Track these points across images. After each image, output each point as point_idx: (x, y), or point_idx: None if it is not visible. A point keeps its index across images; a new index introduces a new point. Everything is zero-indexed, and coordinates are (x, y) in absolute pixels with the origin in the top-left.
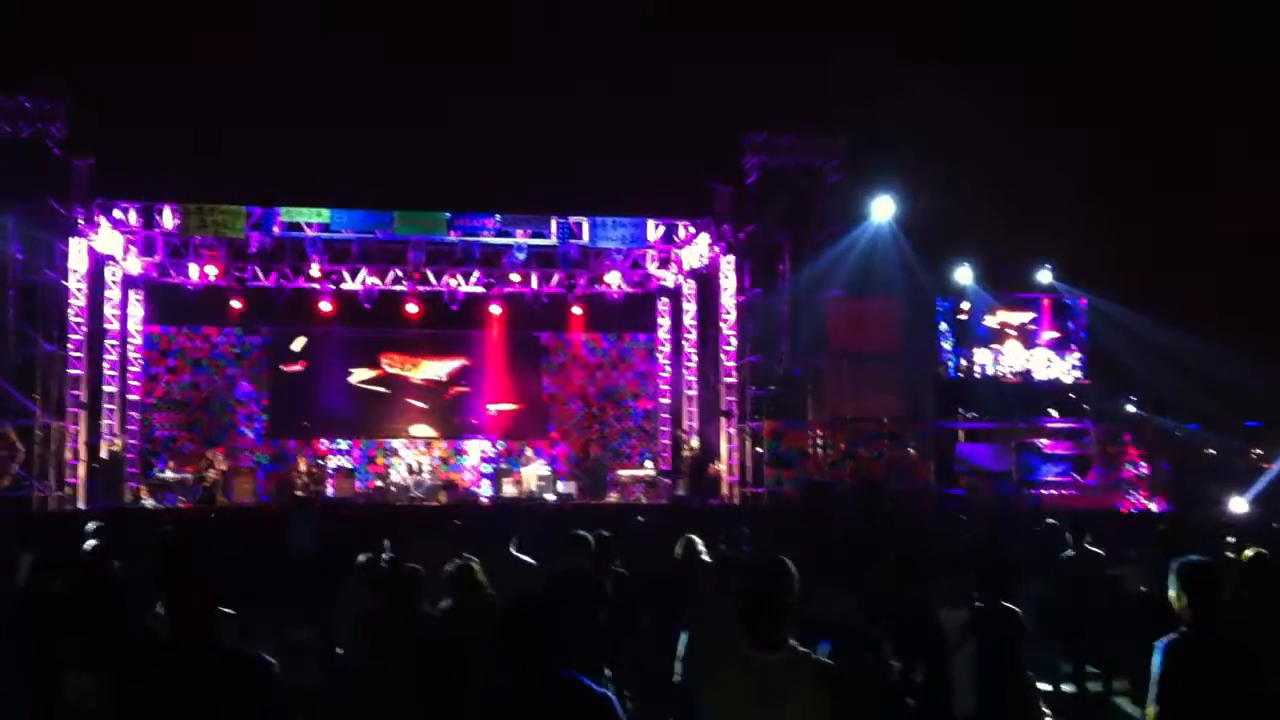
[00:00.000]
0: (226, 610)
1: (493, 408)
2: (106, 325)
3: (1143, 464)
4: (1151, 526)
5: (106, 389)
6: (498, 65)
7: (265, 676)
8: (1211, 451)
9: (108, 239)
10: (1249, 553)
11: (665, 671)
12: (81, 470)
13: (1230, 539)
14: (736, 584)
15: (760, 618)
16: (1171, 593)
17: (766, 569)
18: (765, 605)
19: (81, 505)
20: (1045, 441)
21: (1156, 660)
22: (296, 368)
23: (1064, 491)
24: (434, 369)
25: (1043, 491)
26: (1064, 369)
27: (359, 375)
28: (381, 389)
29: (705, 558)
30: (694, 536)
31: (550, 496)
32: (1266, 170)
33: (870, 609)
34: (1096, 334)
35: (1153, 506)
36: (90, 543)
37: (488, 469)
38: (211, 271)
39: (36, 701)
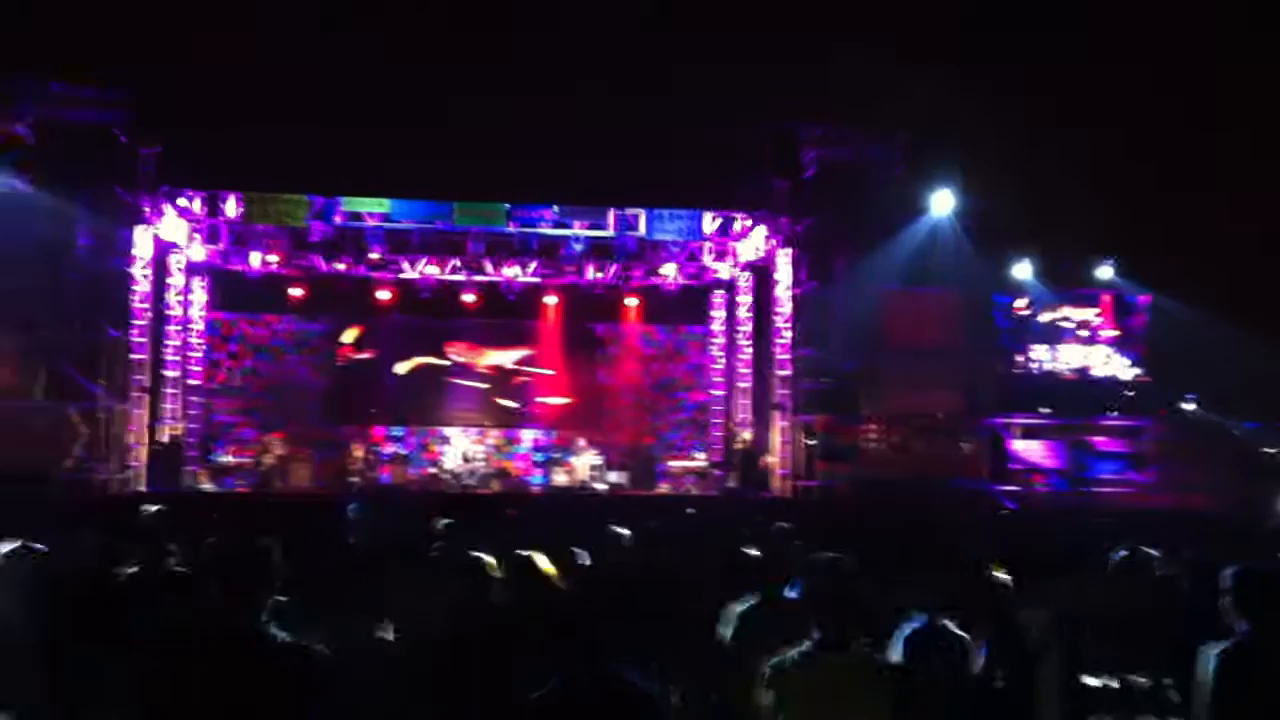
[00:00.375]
0: (280, 598)
1: (546, 400)
2: (169, 311)
3: (1200, 463)
4: (1206, 527)
5: (168, 374)
6: (558, 60)
7: (315, 666)
8: (1270, 451)
9: (172, 226)
10: None
11: (708, 666)
12: (142, 454)
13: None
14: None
15: (829, 618)
16: (1226, 600)
17: (835, 569)
18: (834, 605)
19: (142, 488)
20: (1101, 439)
21: (1209, 670)
22: (364, 355)
23: (1120, 490)
24: (499, 357)
25: (1097, 490)
26: (1122, 366)
27: (412, 362)
28: (439, 374)
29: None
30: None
31: (601, 486)
32: None
33: (948, 608)
34: (1157, 331)
35: (1209, 507)
36: (151, 526)
37: (540, 457)
38: (273, 259)
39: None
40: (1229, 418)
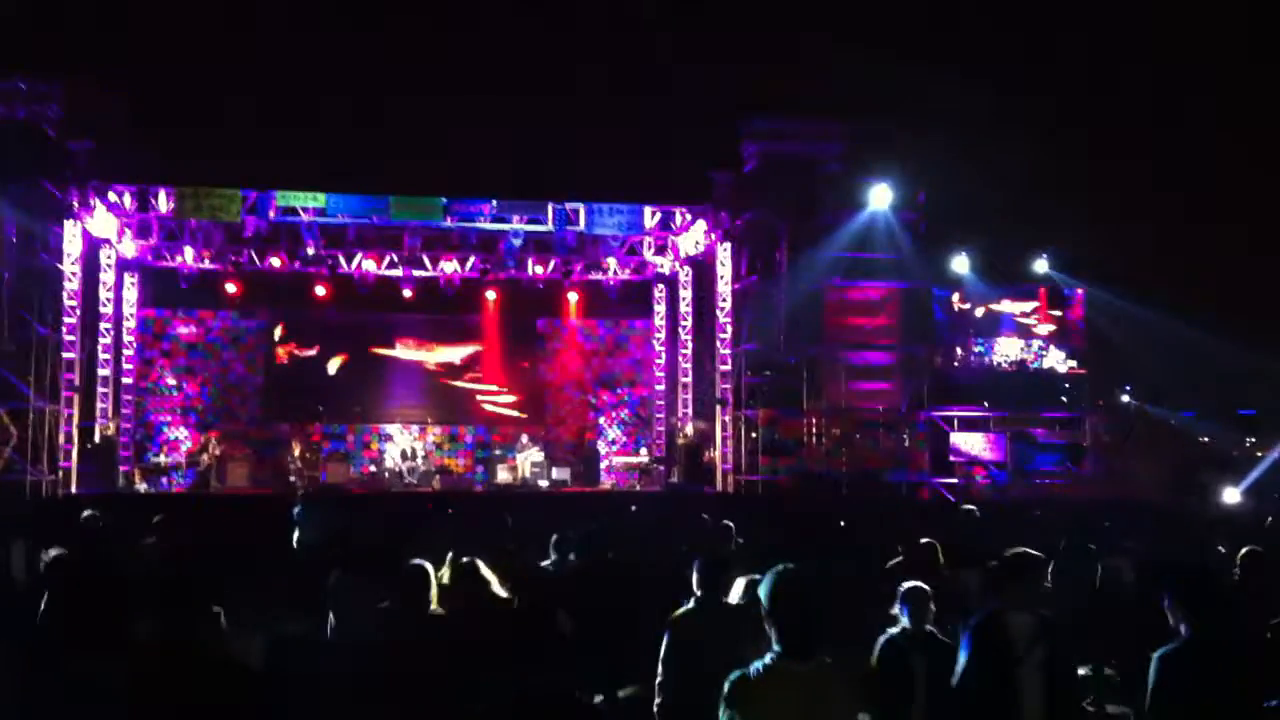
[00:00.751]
0: (216, 609)
1: (491, 399)
2: (101, 309)
3: (1138, 454)
4: (1147, 518)
5: (100, 372)
6: (496, 52)
7: (251, 680)
8: (1205, 440)
9: (103, 222)
10: (1244, 549)
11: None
12: (74, 454)
13: (1221, 539)
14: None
15: (795, 627)
16: (1166, 603)
17: (802, 577)
18: (801, 615)
19: (74, 489)
20: (1041, 431)
21: (1153, 671)
22: (307, 353)
23: (1058, 481)
24: (448, 354)
25: (1036, 482)
26: (1059, 359)
27: (339, 359)
28: (379, 370)
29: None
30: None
31: (544, 483)
32: (1264, 172)
33: (919, 611)
34: (1093, 324)
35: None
36: (85, 530)
37: (481, 454)
38: (206, 255)
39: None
40: (1165, 407)
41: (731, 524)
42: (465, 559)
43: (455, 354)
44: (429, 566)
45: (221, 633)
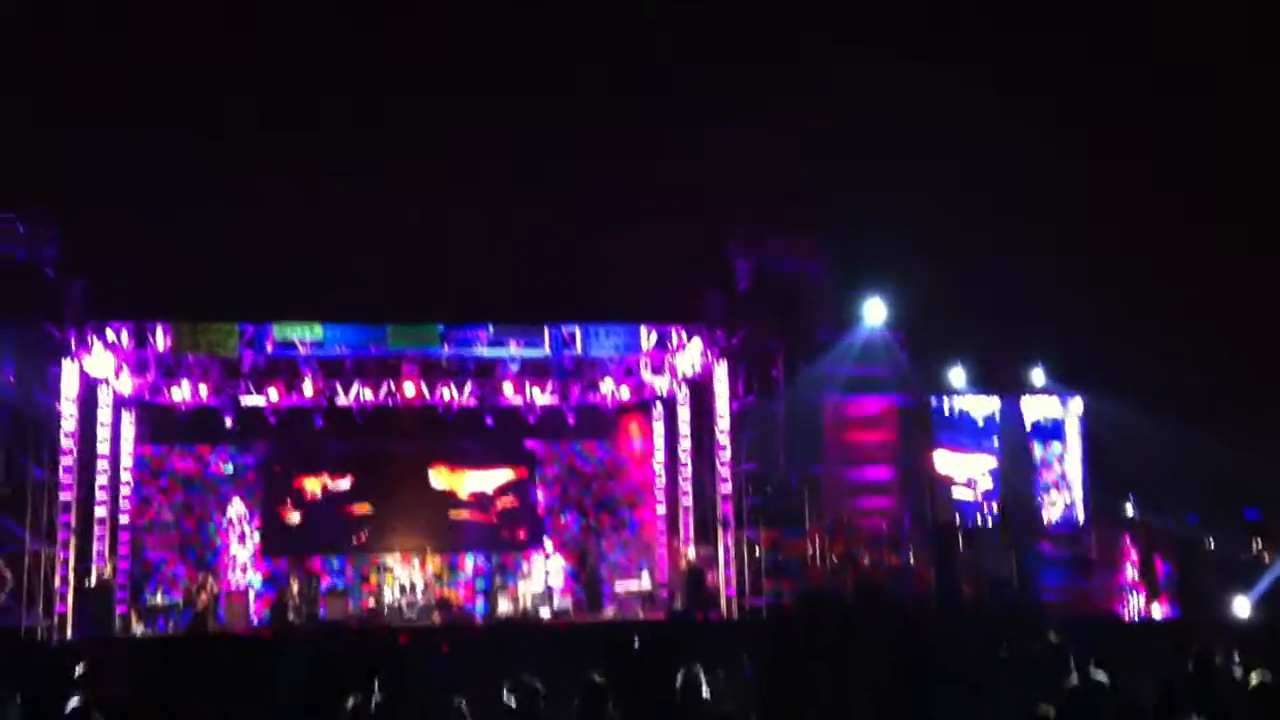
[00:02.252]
0: None
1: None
2: (99, 447)
3: (1143, 566)
4: (1161, 637)
5: (98, 511)
6: (492, 176)
7: None
8: (1211, 544)
9: (100, 360)
10: (1255, 678)
11: None
12: (70, 598)
13: (1237, 653)
14: None
15: None
16: None
17: None
18: None
19: (70, 634)
20: (1046, 545)
21: None
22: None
23: (1066, 596)
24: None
25: (1044, 597)
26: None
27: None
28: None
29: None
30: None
31: (546, 612)
32: (1262, 266)
33: None
34: (1093, 433)
35: (1156, 610)
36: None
37: (482, 585)
38: (204, 390)
39: None
40: (1168, 515)
41: (743, 656)
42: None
43: (454, 482)
44: None
45: None
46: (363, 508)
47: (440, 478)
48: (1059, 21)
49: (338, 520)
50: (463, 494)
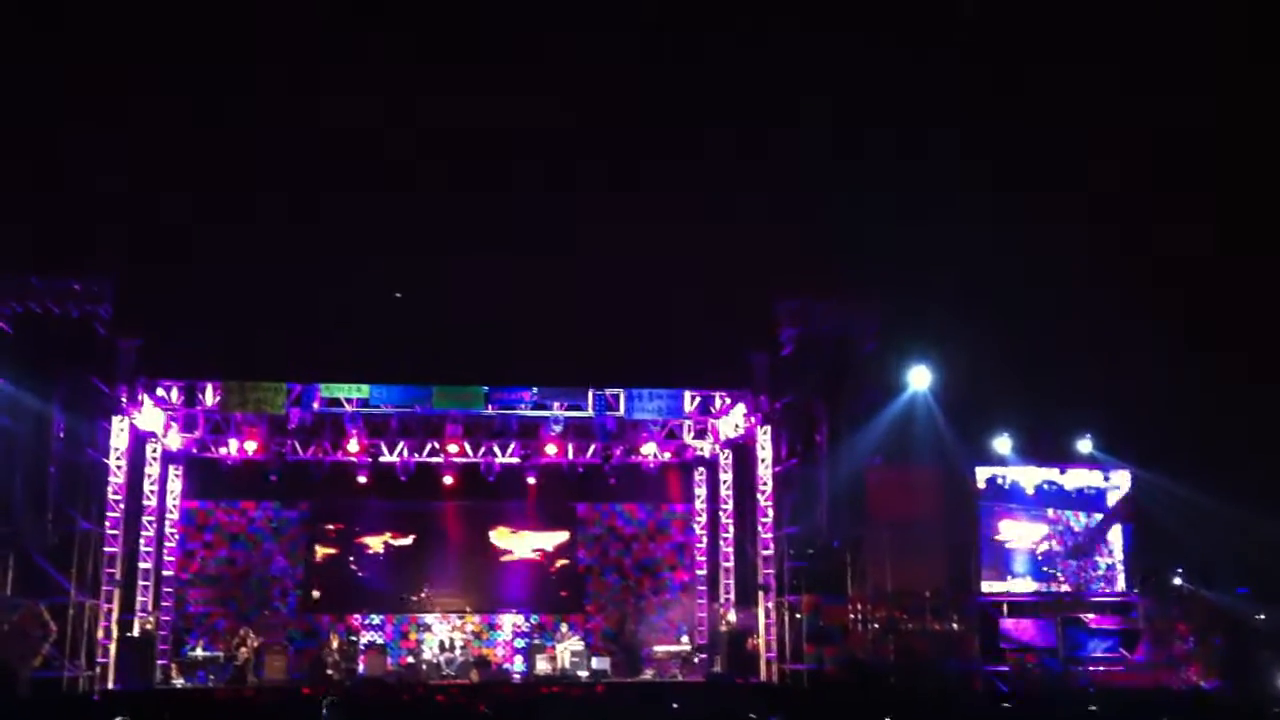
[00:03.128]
0: None
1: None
2: (145, 501)
3: (1192, 639)
4: (1208, 711)
5: (142, 565)
6: (534, 240)
7: None
8: (1261, 617)
9: (150, 417)
10: None
11: None
12: (113, 649)
13: None
14: None
15: None
16: None
17: None
18: None
19: (111, 685)
20: (1091, 616)
21: None
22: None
23: (1112, 668)
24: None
25: (1090, 669)
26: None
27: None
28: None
29: None
30: None
31: (584, 673)
32: None
33: None
34: (1141, 504)
35: (1204, 684)
36: None
37: (520, 644)
38: (250, 446)
39: None
40: (1217, 588)
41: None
42: None
43: (495, 541)
44: None
45: None
46: (401, 563)
47: (500, 538)
48: (1121, 85)
49: (376, 577)
50: (518, 554)
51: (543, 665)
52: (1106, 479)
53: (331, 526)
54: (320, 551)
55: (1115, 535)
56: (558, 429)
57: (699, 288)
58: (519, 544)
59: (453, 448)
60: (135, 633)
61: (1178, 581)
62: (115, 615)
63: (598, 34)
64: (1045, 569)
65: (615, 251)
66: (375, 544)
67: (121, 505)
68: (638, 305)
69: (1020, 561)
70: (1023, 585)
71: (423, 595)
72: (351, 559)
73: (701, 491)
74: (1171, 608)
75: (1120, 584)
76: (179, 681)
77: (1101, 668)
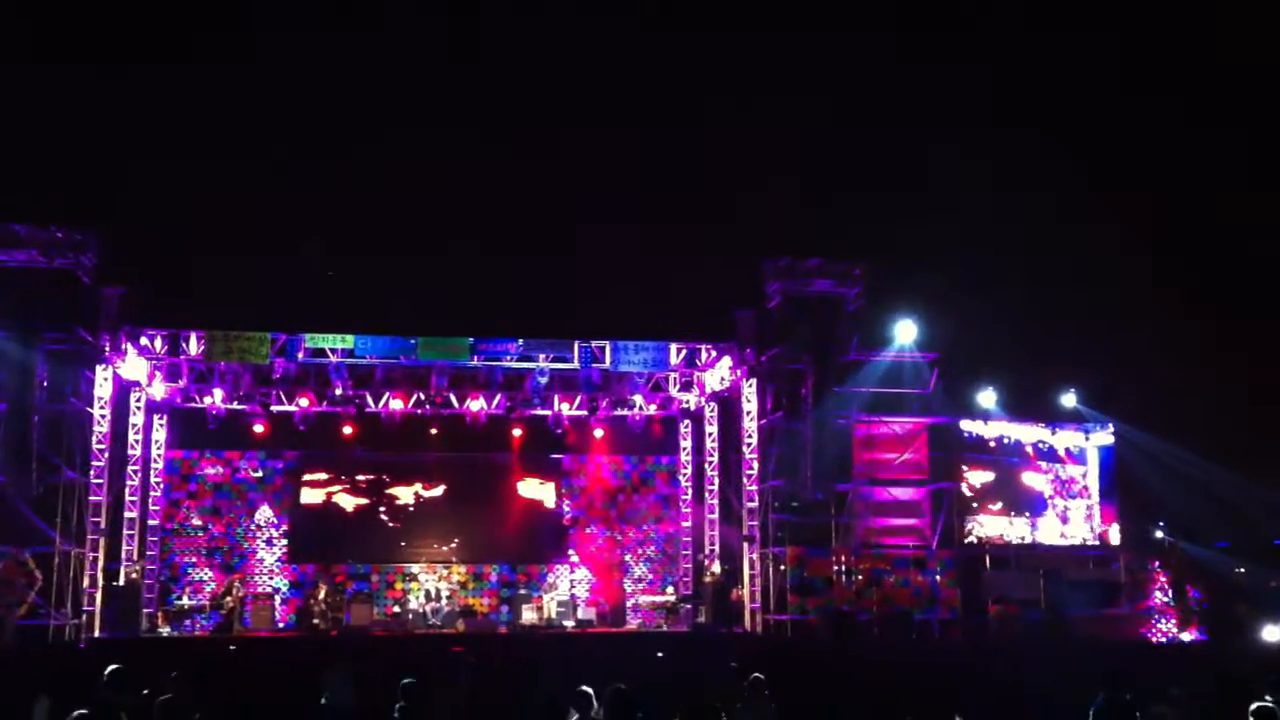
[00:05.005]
0: None
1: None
2: (129, 451)
3: (1172, 591)
4: (1187, 661)
5: (127, 515)
6: (522, 193)
7: None
8: (1241, 571)
9: (133, 366)
10: (1255, 706)
11: None
12: (98, 598)
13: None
14: None
15: None
16: None
17: None
18: None
19: (97, 633)
20: (1074, 568)
21: None
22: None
23: (1095, 620)
24: (475, 491)
25: (1072, 620)
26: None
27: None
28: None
29: None
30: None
31: (569, 623)
32: None
33: None
34: (1122, 459)
35: (1185, 636)
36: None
37: (506, 594)
38: (235, 396)
39: None
40: (1198, 542)
41: (762, 676)
42: None
43: (482, 491)
44: None
45: None
46: (387, 514)
47: (486, 489)
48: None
49: (362, 527)
50: (503, 505)
51: (529, 615)
52: (1087, 437)
53: (317, 476)
54: (306, 501)
55: (1093, 483)
56: (543, 381)
57: (689, 243)
58: (505, 495)
59: (438, 398)
60: (121, 582)
61: (1159, 535)
62: (101, 564)
63: None
64: None
65: (606, 206)
66: (361, 494)
67: (106, 455)
68: (627, 259)
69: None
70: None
71: (407, 545)
72: (336, 508)
73: (687, 444)
74: (1151, 560)
75: (1096, 522)
76: (165, 630)
77: (1082, 619)
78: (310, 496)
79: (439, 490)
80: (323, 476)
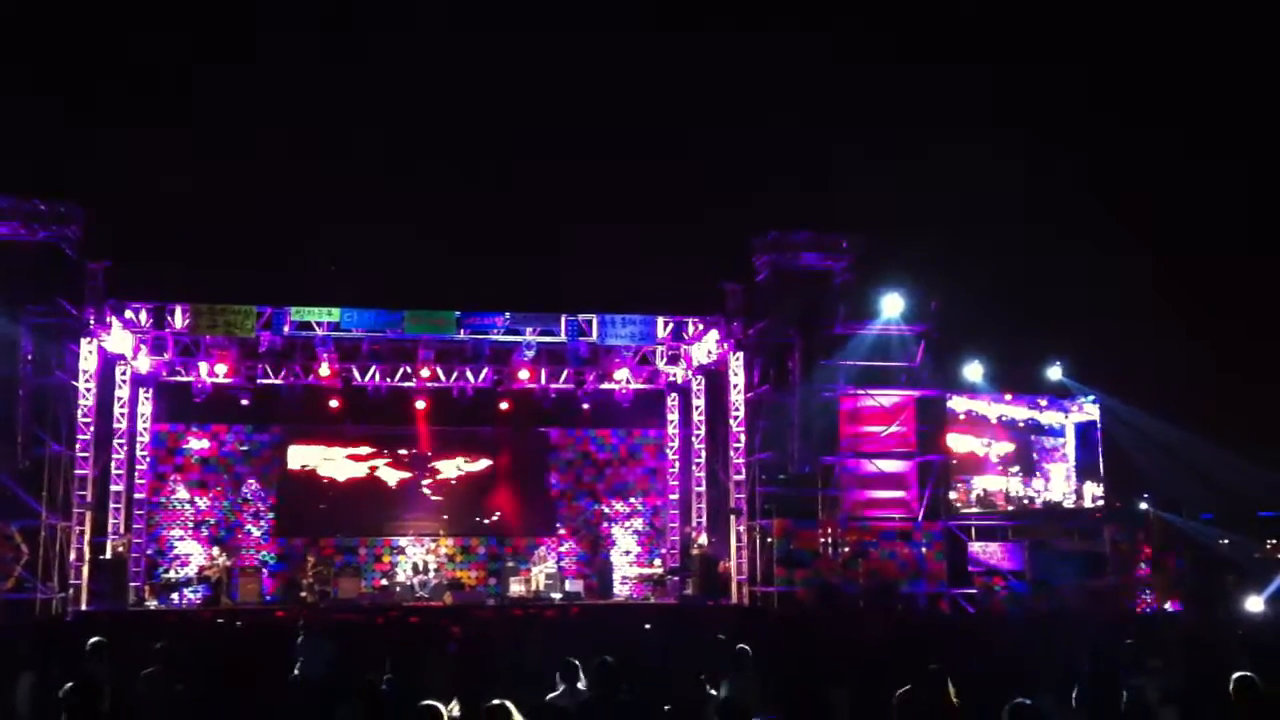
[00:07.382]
0: None
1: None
2: (115, 424)
3: (1155, 562)
4: (1171, 632)
5: (113, 488)
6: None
7: None
8: (1225, 542)
9: (119, 339)
10: (1235, 677)
11: None
12: (85, 571)
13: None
14: None
15: None
16: None
17: None
18: None
19: (84, 607)
20: (1059, 540)
21: None
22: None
23: (1080, 592)
24: (462, 466)
25: (1057, 592)
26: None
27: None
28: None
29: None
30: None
31: (557, 595)
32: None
33: None
34: (1108, 432)
35: (1168, 606)
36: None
37: (494, 567)
38: (221, 370)
39: None
40: (1182, 514)
41: (748, 648)
42: (497, 702)
43: (469, 465)
44: (440, 707)
45: None
46: (374, 488)
47: (473, 462)
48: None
49: (349, 500)
50: (491, 478)
51: (516, 588)
52: (1066, 413)
53: (304, 450)
54: (292, 472)
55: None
56: (530, 354)
57: (676, 217)
58: (492, 468)
59: (425, 372)
60: (107, 555)
61: (1143, 506)
62: (87, 538)
63: None
64: None
65: (593, 178)
66: (348, 468)
67: (91, 428)
68: (614, 232)
69: None
70: None
71: (395, 519)
72: (324, 482)
73: (674, 417)
74: (1136, 531)
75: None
76: (152, 603)
77: (1069, 591)
78: (297, 467)
79: (425, 463)
80: (310, 450)
